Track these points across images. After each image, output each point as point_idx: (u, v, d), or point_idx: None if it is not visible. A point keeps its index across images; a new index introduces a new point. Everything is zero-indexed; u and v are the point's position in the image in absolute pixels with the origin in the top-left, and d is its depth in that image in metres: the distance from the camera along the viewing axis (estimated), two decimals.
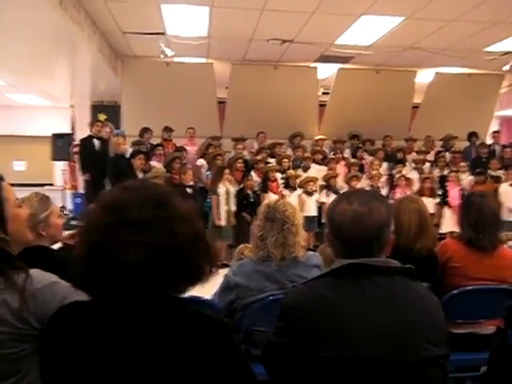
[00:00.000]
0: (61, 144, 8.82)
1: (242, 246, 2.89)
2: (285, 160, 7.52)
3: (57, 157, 8.98)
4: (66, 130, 9.63)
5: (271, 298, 2.12)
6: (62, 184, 9.43)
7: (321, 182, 7.44)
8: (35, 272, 1.23)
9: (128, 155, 6.71)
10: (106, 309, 0.99)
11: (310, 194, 7.11)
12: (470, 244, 2.35)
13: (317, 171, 7.67)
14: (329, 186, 7.25)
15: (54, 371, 0.99)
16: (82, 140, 7.52)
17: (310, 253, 2.29)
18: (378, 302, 1.24)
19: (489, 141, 9.15)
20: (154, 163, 6.78)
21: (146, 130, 7.48)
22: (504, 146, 8.74)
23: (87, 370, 0.95)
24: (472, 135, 8.91)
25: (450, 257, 2.38)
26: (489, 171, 7.84)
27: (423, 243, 2.33)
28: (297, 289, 1.38)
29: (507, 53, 7.56)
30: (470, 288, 2.34)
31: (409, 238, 2.32)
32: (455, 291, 2.34)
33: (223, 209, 6.20)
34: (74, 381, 0.95)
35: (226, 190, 6.32)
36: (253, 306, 2.18)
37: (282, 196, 6.91)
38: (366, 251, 1.29)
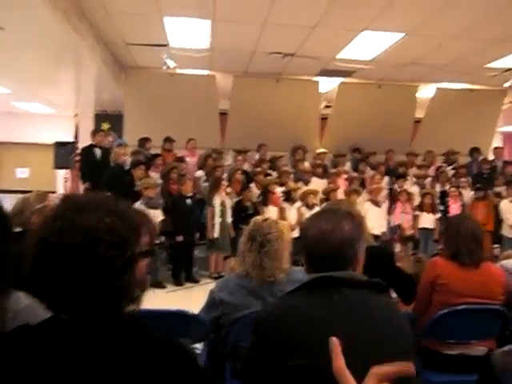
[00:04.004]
0: (63, 152, 8.89)
1: (232, 259, 2.86)
2: (285, 174, 7.51)
3: (59, 165, 9.04)
4: (70, 138, 9.71)
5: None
6: (64, 192, 9.47)
7: (321, 196, 7.42)
8: (19, 292, 1.21)
9: (127, 166, 6.73)
10: (53, 333, 0.93)
11: (310, 207, 7.09)
12: (455, 260, 2.39)
13: (317, 185, 7.66)
14: (329, 199, 7.22)
15: None
16: (84, 149, 7.57)
17: (296, 268, 2.26)
18: (346, 313, 1.28)
19: (491, 156, 9.12)
20: (152, 173, 6.79)
21: (145, 139, 7.51)
22: (506, 162, 8.70)
23: None
24: (474, 151, 8.89)
25: (439, 274, 2.40)
26: (494, 188, 7.81)
27: None
28: (269, 303, 1.46)
29: (509, 69, 7.57)
30: (460, 308, 2.34)
31: None
32: (445, 310, 2.34)
33: (217, 221, 6.19)
34: None
35: (222, 201, 6.31)
36: (239, 322, 2.17)
37: (281, 209, 6.91)
38: (329, 266, 1.34)
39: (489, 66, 7.41)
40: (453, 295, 2.36)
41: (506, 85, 7.77)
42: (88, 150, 7.35)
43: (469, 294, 2.34)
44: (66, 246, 0.91)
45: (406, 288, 2.52)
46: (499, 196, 7.62)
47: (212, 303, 2.26)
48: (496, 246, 7.44)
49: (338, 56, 7.08)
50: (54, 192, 10.37)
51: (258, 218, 2.38)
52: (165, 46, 6.68)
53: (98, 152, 7.26)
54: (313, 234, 1.38)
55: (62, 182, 9.72)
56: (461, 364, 2.37)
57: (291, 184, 7.33)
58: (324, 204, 7.26)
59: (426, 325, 2.37)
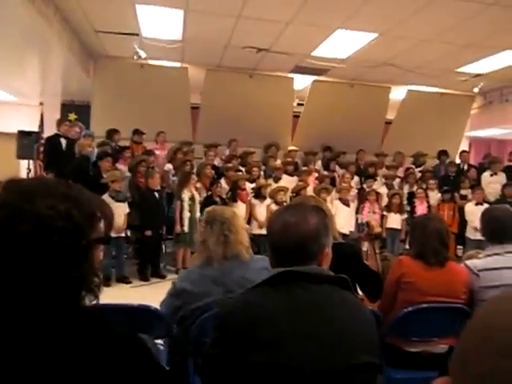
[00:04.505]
0: (27, 142, 8.51)
1: (196, 253, 2.85)
2: (255, 169, 7.46)
3: (22, 155, 8.67)
4: (34, 127, 9.34)
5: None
6: None
7: (290, 194, 7.40)
8: None
9: (94, 157, 6.53)
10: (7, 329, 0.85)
11: (279, 204, 7.05)
12: (420, 259, 2.39)
13: (288, 182, 7.64)
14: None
15: None
16: (48, 138, 7.31)
17: (257, 256, 2.32)
18: (309, 309, 1.25)
19: (457, 160, 9.33)
20: (120, 166, 6.62)
21: (114, 131, 7.31)
22: (470, 166, 8.92)
23: None
24: (442, 153, 9.07)
25: (405, 272, 2.40)
26: (460, 190, 7.97)
27: None
28: (232, 298, 1.42)
29: (478, 75, 7.75)
30: (424, 306, 2.34)
31: None
32: (410, 308, 2.34)
33: (186, 215, 6.09)
34: None
35: (191, 196, 6.21)
36: (202, 317, 2.12)
37: (251, 205, 6.85)
38: (292, 260, 1.30)
39: (459, 70, 7.56)
40: (417, 293, 2.36)
41: (475, 90, 7.93)
42: (53, 139, 7.10)
43: (433, 292, 2.35)
44: (15, 235, 0.83)
45: (372, 285, 2.51)
46: (465, 198, 7.80)
47: (174, 293, 2.27)
48: (460, 247, 7.62)
49: (313, 53, 7.07)
50: None
51: (209, 207, 2.51)
52: (136, 35, 6.50)
53: (63, 142, 7.02)
54: (277, 227, 1.35)
55: (25, 173, 9.34)
56: (422, 361, 2.38)
57: (261, 181, 7.29)
58: None
59: (391, 322, 2.36)
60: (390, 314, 2.43)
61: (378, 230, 6.91)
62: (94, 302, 0.95)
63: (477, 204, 7.16)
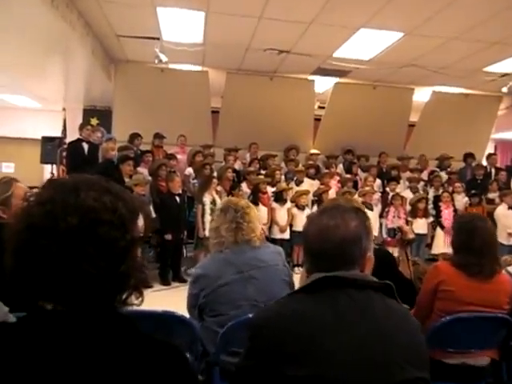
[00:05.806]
0: (50, 147, 8.65)
1: (210, 241, 2.90)
2: (277, 172, 7.37)
3: (46, 160, 8.81)
4: (57, 133, 9.46)
5: (230, 280, 2.19)
6: None
7: (312, 198, 7.29)
8: None
9: (116, 160, 6.54)
10: (36, 330, 0.83)
11: (301, 208, 6.95)
12: (465, 269, 2.23)
13: (310, 185, 7.54)
14: (320, 200, 7.09)
15: None
16: (71, 143, 7.36)
17: (268, 243, 2.43)
18: (353, 316, 1.14)
19: (484, 162, 9.06)
20: (141, 169, 6.61)
21: (136, 135, 7.33)
22: (498, 169, 8.63)
23: None
24: (468, 156, 8.81)
25: (443, 280, 2.25)
26: (489, 194, 7.71)
27: None
28: (267, 306, 1.32)
29: (506, 74, 7.50)
30: (463, 315, 2.20)
31: None
32: (448, 318, 2.20)
33: (207, 219, 6.02)
34: None
35: (212, 199, 6.14)
36: (229, 325, 2.09)
37: (272, 209, 6.76)
38: (332, 265, 1.20)
39: (486, 69, 7.33)
40: (456, 303, 2.21)
41: (504, 90, 7.68)
42: (75, 144, 7.15)
43: (474, 302, 2.20)
44: (61, 229, 0.81)
45: (406, 293, 2.37)
46: (492, 202, 7.54)
47: (192, 282, 2.32)
48: None
49: (335, 55, 6.95)
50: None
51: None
52: (157, 39, 6.49)
53: (85, 147, 7.05)
54: (314, 230, 1.25)
55: (48, 177, 9.45)
56: (462, 374, 2.24)
57: (283, 184, 7.19)
58: (315, 205, 7.13)
59: (428, 332, 2.22)
60: (426, 324, 2.29)
61: (411, 235, 6.73)
62: (140, 300, 0.92)
63: (509, 208, 6.91)
